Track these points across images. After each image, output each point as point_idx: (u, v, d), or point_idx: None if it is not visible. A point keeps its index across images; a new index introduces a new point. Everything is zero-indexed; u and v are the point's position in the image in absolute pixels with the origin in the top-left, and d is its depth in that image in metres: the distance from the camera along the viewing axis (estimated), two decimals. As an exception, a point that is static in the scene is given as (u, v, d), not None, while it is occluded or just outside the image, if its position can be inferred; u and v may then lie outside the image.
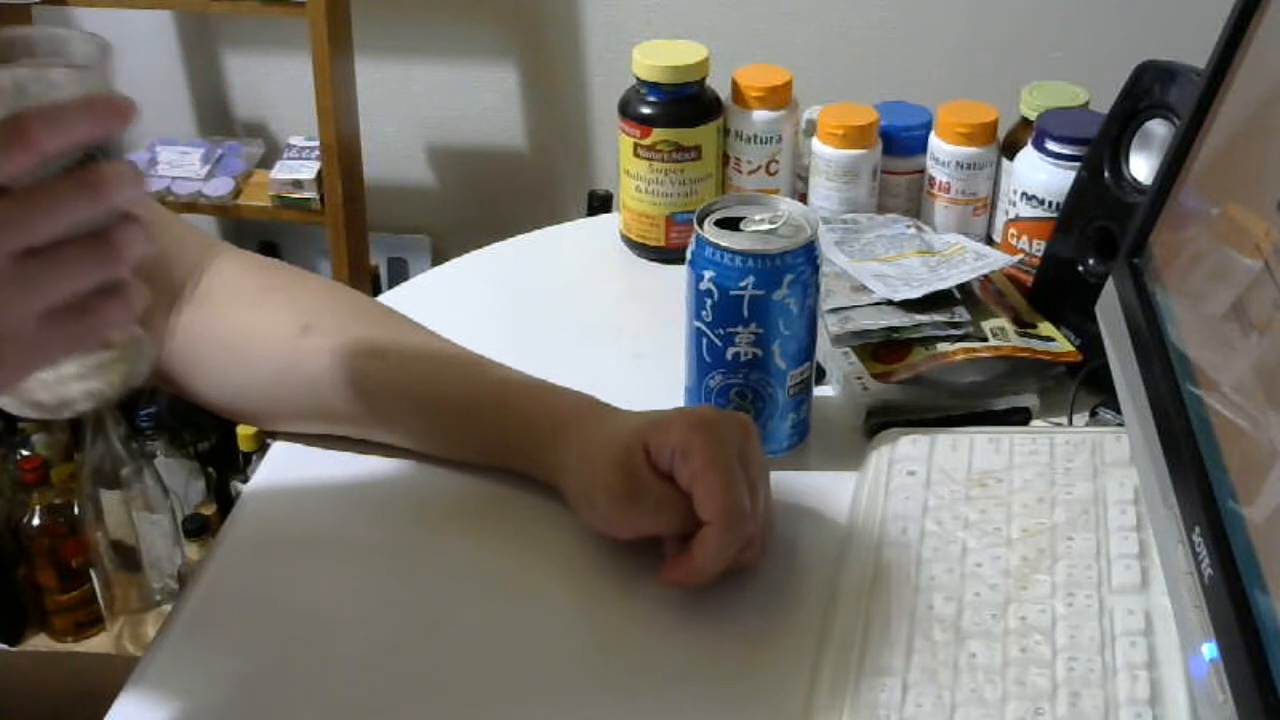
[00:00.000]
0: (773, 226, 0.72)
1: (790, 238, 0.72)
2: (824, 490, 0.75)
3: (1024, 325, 0.83)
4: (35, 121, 0.47)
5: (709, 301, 0.72)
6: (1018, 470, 0.73)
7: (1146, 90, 0.80)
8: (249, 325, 0.76)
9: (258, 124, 2.09)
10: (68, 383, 0.56)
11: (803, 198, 0.99)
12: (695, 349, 0.75)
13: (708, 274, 0.72)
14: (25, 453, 1.84)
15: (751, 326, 0.72)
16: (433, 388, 0.75)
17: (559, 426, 0.72)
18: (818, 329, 0.76)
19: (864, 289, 0.83)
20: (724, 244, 0.71)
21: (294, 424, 0.78)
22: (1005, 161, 0.93)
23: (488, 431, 0.74)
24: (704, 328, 0.74)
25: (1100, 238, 0.83)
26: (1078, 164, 0.84)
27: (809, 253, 0.72)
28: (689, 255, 0.73)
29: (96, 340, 0.53)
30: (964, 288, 0.83)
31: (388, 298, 0.94)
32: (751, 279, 0.71)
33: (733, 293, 0.71)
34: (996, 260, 0.86)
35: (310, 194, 1.83)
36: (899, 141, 0.96)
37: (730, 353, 0.74)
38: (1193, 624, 0.54)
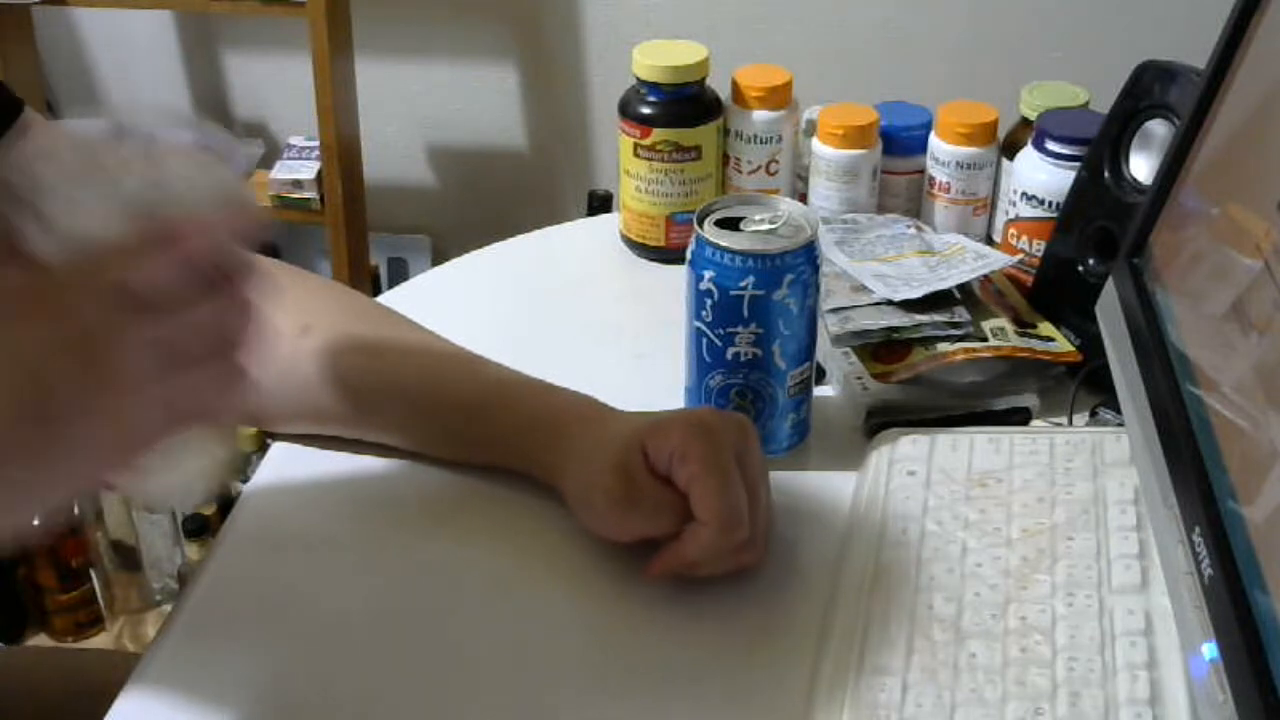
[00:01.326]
0: (773, 226, 0.72)
1: (790, 238, 0.72)
2: (824, 490, 0.75)
3: (1024, 325, 0.83)
4: (184, 231, 0.49)
5: (709, 301, 0.72)
6: (1018, 470, 0.73)
7: (1146, 90, 0.81)
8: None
9: (258, 124, 2.09)
10: (173, 471, 0.57)
11: (803, 198, 0.99)
12: (695, 349, 0.75)
13: (708, 274, 0.72)
14: (25, 453, 1.84)
15: (751, 326, 0.72)
16: (432, 388, 0.75)
17: (558, 427, 0.72)
18: (818, 329, 0.76)
19: (864, 289, 0.83)
20: (724, 244, 0.71)
21: (294, 424, 0.78)
22: (1005, 161, 0.93)
23: (487, 432, 0.74)
24: (704, 328, 0.74)
25: (1100, 238, 0.83)
26: (1078, 164, 0.84)
27: (809, 253, 0.72)
28: (689, 255, 0.73)
29: (209, 421, 0.54)
30: (964, 288, 0.83)
31: (388, 298, 0.94)
32: (751, 279, 0.71)
33: (733, 293, 0.71)
34: (996, 260, 0.86)
35: (310, 194, 1.83)
36: (899, 141, 0.96)
37: (730, 353, 0.74)
38: (1193, 624, 0.54)
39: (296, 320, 0.75)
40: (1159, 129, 0.81)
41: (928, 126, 0.95)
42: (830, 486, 0.75)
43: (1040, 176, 0.87)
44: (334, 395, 0.74)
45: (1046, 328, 0.84)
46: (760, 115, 0.96)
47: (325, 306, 0.78)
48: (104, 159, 0.55)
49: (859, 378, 0.81)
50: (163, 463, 0.55)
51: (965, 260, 0.85)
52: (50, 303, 0.48)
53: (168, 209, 0.52)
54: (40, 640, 1.85)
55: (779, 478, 0.71)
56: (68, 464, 0.48)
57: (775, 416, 0.76)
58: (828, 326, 0.80)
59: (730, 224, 0.73)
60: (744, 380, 0.74)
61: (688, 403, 0.78)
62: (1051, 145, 0.86)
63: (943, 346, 0.79)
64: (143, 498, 0.57)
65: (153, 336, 0.48)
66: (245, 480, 0.68)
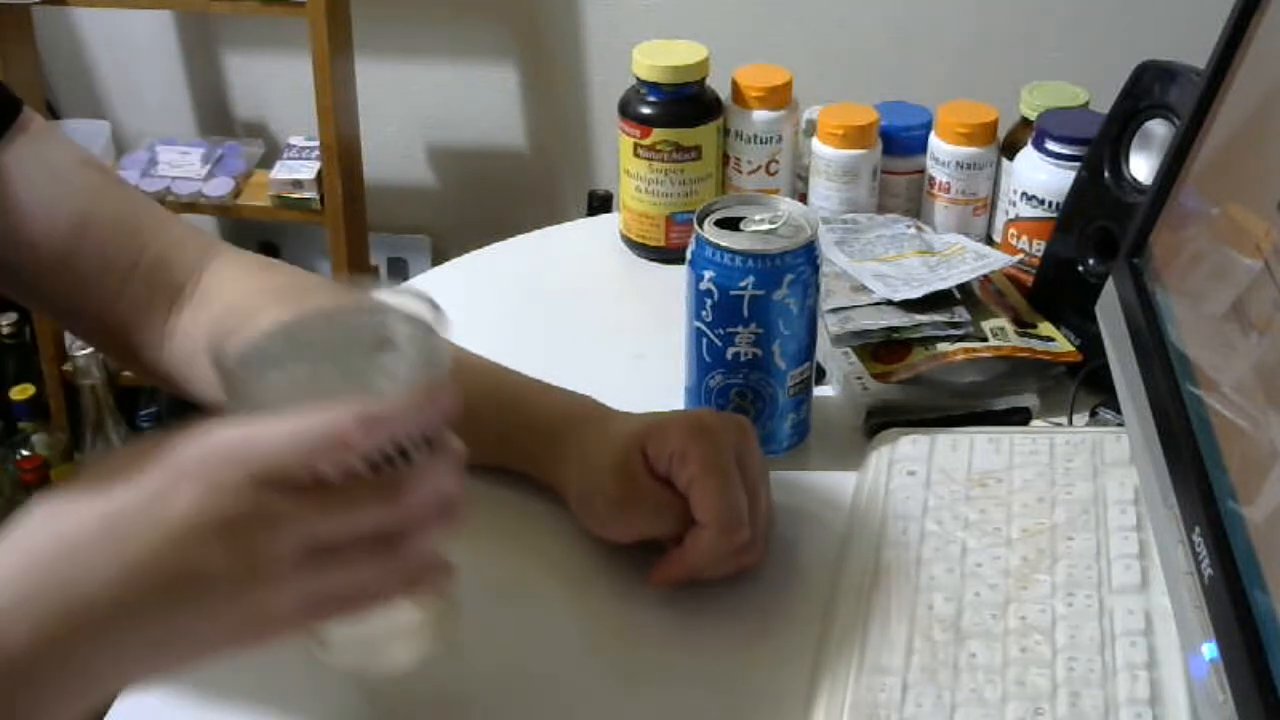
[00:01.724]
0: (773, 226, 0.72)
1: (790, 238, 0.72)
2: (824, 490, 0.75)
3: (1024, 325, 0.83)
4: (354, 424, 0.47)
5: (709, 301, 0.72)
6: (1018, 470, 0.73)
7: (1146, 90, 0.80)
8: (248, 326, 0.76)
9: (258, 124, 2.09)
10: (369, 644, 0.57)
11: (803, 198, 0.99)
12: (695, 349, 0.75)
13: (708, 274, 0.72)
14: (25, 453, 1.84)
15: (751, 326, 0.72)
16: (432, 388, 0.75)
17: (558, 428, 0.72)
18: (818, 329, 0.76)
19: (864, 289, 0.83)
20: (724, 244, 0.71)
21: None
22: (1005, 161, 0.93)
23: (487, 432, 0.74)
24: (704, 328, 0.74)
25: (1100, 238, 0.83)
26: (1078, 164, 0.84)
27: (809, 253, 0.72)
28: (689, 255, 0.73)
29: (368, 610, 0.53)
30: (964, 288, 0.83)
31: (388, 298, 0.93)
32: (751, 279, 0.71)
33: (733, 293, 0.71)
34: (996, 260, 0.86)
35: (310, 194, 1.83)
36: (899, 141, 0.96)
37: (730, 353, 0.74)
38: (1193, 624, 0.54)
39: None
40: (1159, 129, 0.81)
41: (928, 126, 0.95)
42: (830, 486, 0.75)
43: (1040, 176, 0.87)
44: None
45: (1046, 328, 0.84)
46: (760, 115, 0.96)
47: (325, 307, 0.78)
48: (310, 331, 0.54)
49: (859, 378, 0.81)
50: (344, 629, 0.55)
51: (965, 260, 0.85)
52: (215, 478, 0.46)
53: (368, 384, 0.51)
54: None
55: (779, 478, 0.71)
56: (196, 636, 0.48)
57: (775, 416, 0.76)
58: (828, 326, 0.80)
59: (730, 224, 0.73)
60: (744, 380, 0.74)
61: (688, 403, 0.78)
62: (1051, 145, 0.86)
63: (943, 346, 0.79)
64: (322, 661, 0.57)
65: (309, 532, 0.47)
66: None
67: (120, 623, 0.46)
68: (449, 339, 0.52)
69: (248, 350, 0.52)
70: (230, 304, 0.73)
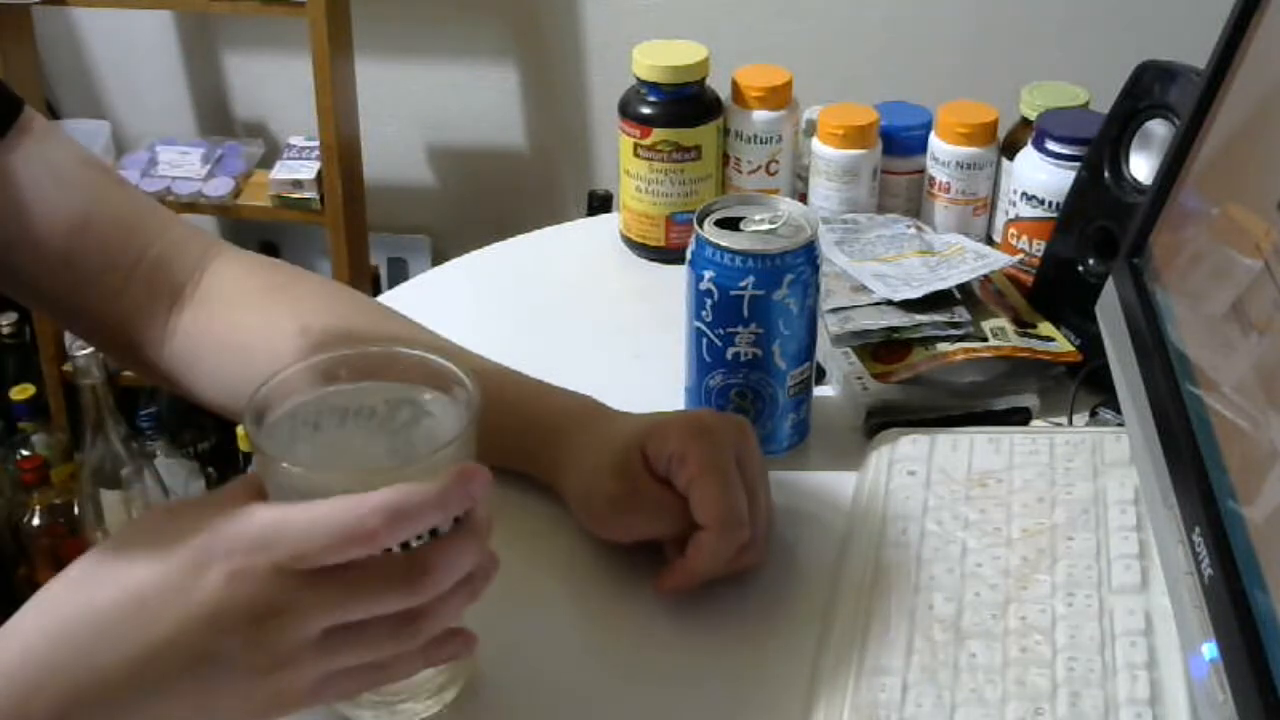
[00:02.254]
0: (773, 226, 0.72)
1: (790, 238, 0.72)
2: (824, 490, 0.75)
3: (1024, 325, 0.83)
4: (384, 521, 0.48)
5: (709, 301, 0.72)
6: (1018, 470, 0.73)
7: (1146, 90, 0.81)
8: (249, 325, 0.76)
9: (258, 124, 2.09)
10: (388, 700, 0.58)
11: (803, 198, 0.99)
12: (695, 349, 0.75)
13: (708, 274, 0.72)
14: (25, 453, 1.84)
15: (751, 326, 0.72)
16: (433, 388, 0.75)
17: (558, 428, 0.72)
18: (818, 329, 0.76)
19: (864, 289, 0.83)
20: (724, 244, 0.71)
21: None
22: (1005, 161, 0.93)
23: (487, 432, 0.74)
24: (704, 328, 0.74)
25: (1100, 238, 0.83)
26: (1078, 164, 0.84)
27: (809, 253, 0.72)
28: (689, 255, 0.73)
29: (383, 684, 0.54)
30: (964, 288, 0.83)
31: (388, 298, 0.94)
32: (751, 279, 0.71)
33: (733, 293, 0.71)
34: (996, 260, 0.86)
35: (310, 194, 1.83)
36: (899, 141, 0.96)
37: (730, 353, 0.74)
38: (1193, 624, 0.54)
39: (296, 320, 0.75)
40: (1159, 129, 0.81)
41: (928, 126, 0.95)
42: (830, 486, 0.75)
43: (1040, 176, 0.87)
44: (334, 396, 0.74)
45: (1046, 328, 0.84)
46: (760, 115, 0.96)
47: (324, 306, 0.77)
48: (343, 396, 0.55)
49: (859, 378, 0.81)
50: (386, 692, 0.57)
51: (965, 260, 0.85)
52: (241, 565, 0.48)
53: (400, 458, 0.52)
54: (40, 640, 1.84)
55: (779, 478, 0.71)
56: (212, 713, 0.49)
57: (775, 416, 0.76)
58: (828, 326, 0.80)
59: (730, 224, 0.73)
60: (744, 380, 0.74)
61: (688, 403, 0.78)
62: (1051, 145, 0.86)
63: (943, 346, 0.79)
64: (341, 712, 0.58)
65: (332, 618, 0.49)
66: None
67: (136, 701, 0.48)
68: (478, 408, 0.53)
69: (279, 417, 0.53)
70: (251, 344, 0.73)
